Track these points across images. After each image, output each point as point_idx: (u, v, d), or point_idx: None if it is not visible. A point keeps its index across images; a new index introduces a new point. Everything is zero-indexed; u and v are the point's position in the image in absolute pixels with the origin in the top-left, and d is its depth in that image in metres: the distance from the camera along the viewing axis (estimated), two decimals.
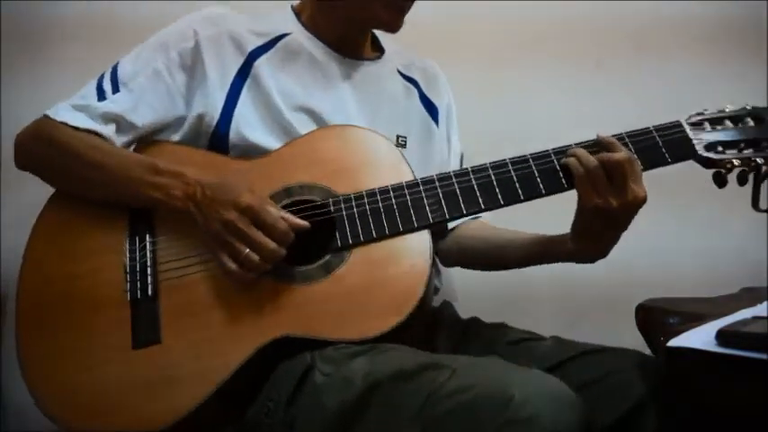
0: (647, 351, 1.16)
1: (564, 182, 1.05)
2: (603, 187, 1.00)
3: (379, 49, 1.26)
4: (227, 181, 1.02)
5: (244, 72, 1.11)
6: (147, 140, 1.13)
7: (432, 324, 1.18)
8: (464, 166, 1.17)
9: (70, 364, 1.01)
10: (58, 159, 1.08)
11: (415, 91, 1.26)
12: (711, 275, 1.50)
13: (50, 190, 1.12)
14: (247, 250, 0.97)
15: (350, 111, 1.15)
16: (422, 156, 1.22)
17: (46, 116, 1.09)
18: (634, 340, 1.15)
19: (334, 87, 1.16)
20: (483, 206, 1.05)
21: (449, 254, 1.28)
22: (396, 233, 1.03)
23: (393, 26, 1.14)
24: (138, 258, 1.04)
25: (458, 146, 1.32)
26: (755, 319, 0.95)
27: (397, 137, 1.19)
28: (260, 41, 1.14)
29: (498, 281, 1.31)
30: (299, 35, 1.16)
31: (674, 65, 1.67)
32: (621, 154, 1.01)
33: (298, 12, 1.20)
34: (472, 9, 1.51)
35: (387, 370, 0.88)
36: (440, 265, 1.29)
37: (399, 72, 1.25)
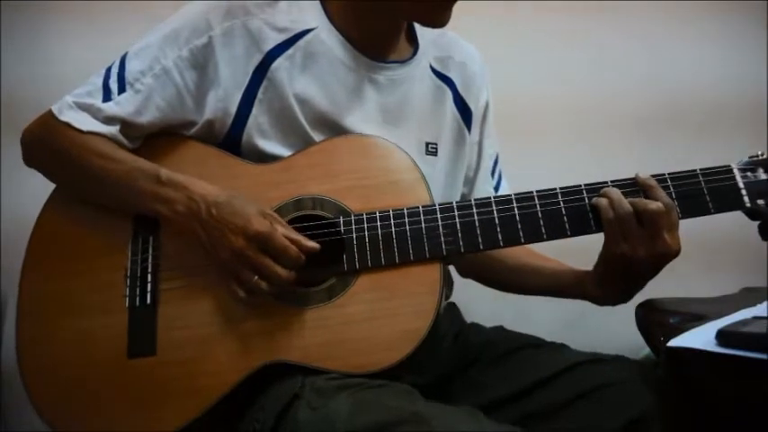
0: (647, 351, 1.17)
1: (593, 224, 0.99)
2: (632, 235, 0.95)
3: (413, 43, 1.15)
4: (234, 201, 0.98)
5: (260, 73, 1.04)
6: (160, 133, 1.07)
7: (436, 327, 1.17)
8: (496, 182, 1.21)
9: (66, 365, 1.00)
10: (61, 167, 1.05)
11: (450, 92, 1.16)
12: (711, 275, 1.50)
13: (52, 185, 1.09)
14: (256, 277, 0.95)
15: (374, 120, 1.08)
16: (452, 163, 1.16)
17: (51, 114, 1.04)
18: (633, 340, 1.16)
19: (358, 96, 1.08)
20: (502, 243, 0.99)
21: (466, 268, 1.25)
22: (406, 262, 0.99)
23: (438, 21, 1.04)
24: (139, 262, 1.02)
25: (491, 149, 1.24)
26: (755, 319, 0.95)
27: (427, 144, 1.12)
28: (280, 38, 1.04)
29: None
30: (324, 31, 1.06)
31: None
32: (658, 204, 0.95)
33: (326, 2, 1.08)
34: None
35: (367, 421, 0.87)
36: (451, 275, 1.24)
37: (433, 69, 1.15)
